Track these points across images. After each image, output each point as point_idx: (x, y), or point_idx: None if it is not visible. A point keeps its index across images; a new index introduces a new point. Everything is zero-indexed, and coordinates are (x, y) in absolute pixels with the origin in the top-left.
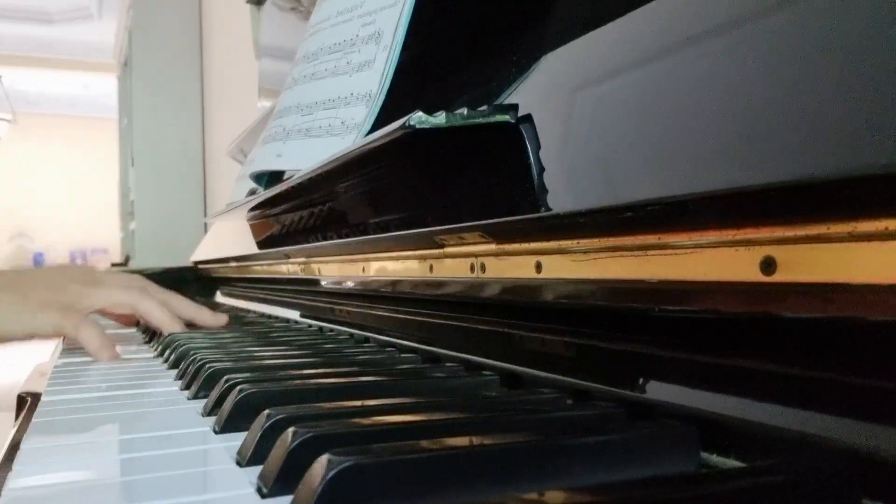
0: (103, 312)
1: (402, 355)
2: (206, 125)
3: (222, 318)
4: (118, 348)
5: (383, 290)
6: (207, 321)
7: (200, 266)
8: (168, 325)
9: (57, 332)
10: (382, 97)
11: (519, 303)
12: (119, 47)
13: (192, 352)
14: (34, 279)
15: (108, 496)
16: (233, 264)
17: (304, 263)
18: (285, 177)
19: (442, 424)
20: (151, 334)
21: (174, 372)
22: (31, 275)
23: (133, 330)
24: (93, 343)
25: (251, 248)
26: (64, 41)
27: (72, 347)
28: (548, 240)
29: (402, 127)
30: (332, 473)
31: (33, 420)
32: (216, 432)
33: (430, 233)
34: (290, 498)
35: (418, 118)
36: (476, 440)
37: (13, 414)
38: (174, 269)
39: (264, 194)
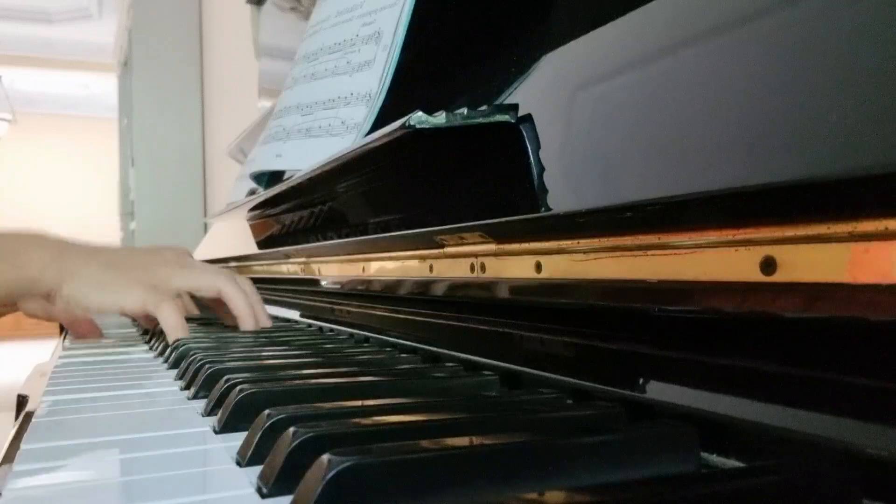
0: (190, 294)
1: (402, 355)
2: (206, 125)
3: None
4: (118, 348)
5: (383, 290)
6: (266, 324)
7: None
8: (246, 315)
9: (142, 308)
10: (382, 97)
11: (519, 303)
12: (119, 47)
13: (192, 352)
14: (130, 258)
15: (108, 496)
16: (233, 264)
17: (304, 263)
18: (285, 177)
19: (442, 424)
20: (152, 334)
21: (174, 372)
22: (128, 254)
23: (133, 330)
24: (169, 321)
25: (251, 248)
26: (64, 41)
27: (76, 342)
28: (548, 240)
29: (402, 127)
30: (332, 473)
31: (33, 420)
32: (216, 432)
33: (430, 233)
34: (290, 498)
35: (418, 118)
36: (476, 440)
37: (13, 414)
38: None
39: (264, 194)
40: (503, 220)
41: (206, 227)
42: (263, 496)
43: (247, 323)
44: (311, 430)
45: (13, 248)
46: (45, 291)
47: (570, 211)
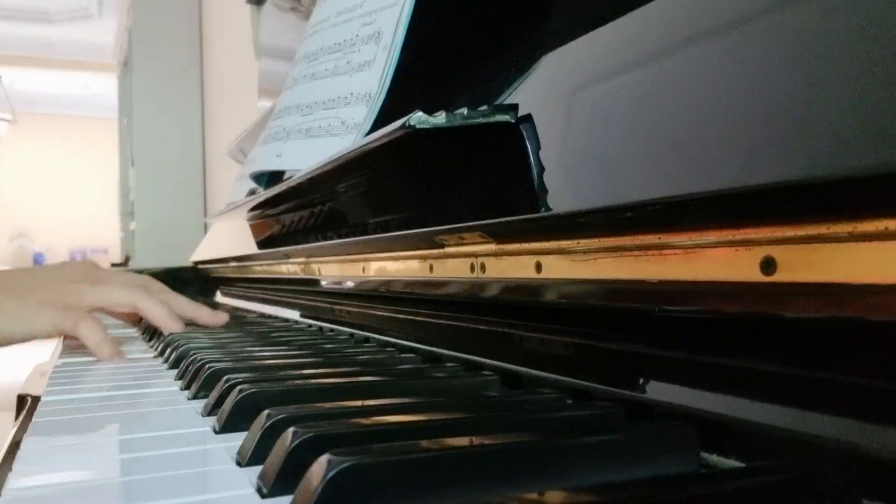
0: (104, 311)
1: (402, 355)
2: (206, 125)
3: (222, 317)
4: (118, 347)
5: (383, 290)
6: (206, 320)
7: (200, 266)
8: (168, 323)
9: (57, 331)
10: (382, 97)
11: (519, 303)
12: (119, 47)
13: (192, 352)
14: (33, 279)
15: (108, 496)
16: (233, 264)
17: (304, 263)
18: (285, 177)
19: (442, 424)
20: (151, 334)
21: (174, 372)
22: (30, 274)
23: (133, 330)
24: (92, 339)
25: (251, 248)
26: (64, 41)
27: (74, 347)
28: (548, 240)
29: (402, 127)
30: (332, 473)
31: (33, 420)
32: (216, 432)
33: (430, 233)
34: (290, 498)
35: (418, 118)
36: (476, 440)
37: (13, 414)
38: (174, 269)
39: (264, 194)
40: (503, 220)
41: (206, 227)
42: (263, 496)
43: (169, 327)
44: (311, 430)
45: None
46: None
47: (570, 211)
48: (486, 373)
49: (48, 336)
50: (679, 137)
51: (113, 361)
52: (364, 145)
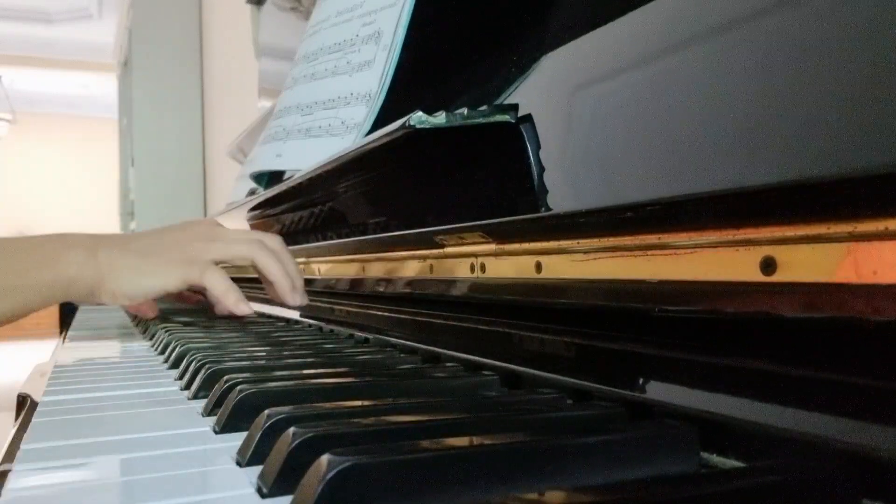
0: (226, 264)
1: (402, 355)
2: (206, 125)
3: (305, 299)
4: (118, 346)
5: (383, 289)
6: (299, 289)
7: None
8: (280, 280)
9: (185, 283)
10: (382, 97)
11: (519, 303)
12: (119, 47)
13: (192, 351)
14: (162, 239)
15: (108, 496)
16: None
17: (304, 263)
18: (285, 177)
19: (442, 424)
20: (153, 334)
21: (174, 372)
22: (160, 235)
23: (133, 330)
24: (218, 287)
25: None
26: (64, 41)
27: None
28: (548, 240)
29: (402, 127)
30: (332, 473)
31: (33, 420)
32: (216, 432)
33: (430, 233)
34: (290, 498)
35: (418, 118)
36: (476, 440)
37: (13, 414)
38: None
39: (264, 194)
40: (503, 220)
41: None
42: (263, 496)
43: (285, 294)
44: (310, 430)
45: (46, 251)
46: (86, 290)
47: (570, 211)
48: (486, 373)
49: (178, 289)
50: (679, 137)
51: (239, 310)
52: (364, 145)
